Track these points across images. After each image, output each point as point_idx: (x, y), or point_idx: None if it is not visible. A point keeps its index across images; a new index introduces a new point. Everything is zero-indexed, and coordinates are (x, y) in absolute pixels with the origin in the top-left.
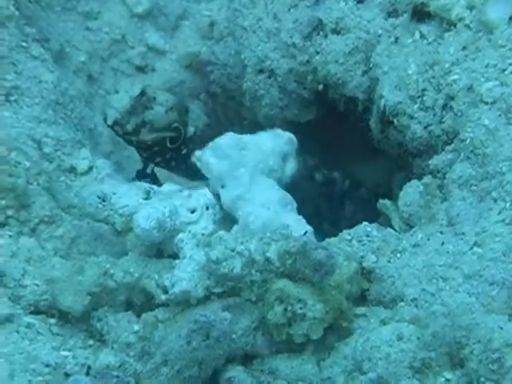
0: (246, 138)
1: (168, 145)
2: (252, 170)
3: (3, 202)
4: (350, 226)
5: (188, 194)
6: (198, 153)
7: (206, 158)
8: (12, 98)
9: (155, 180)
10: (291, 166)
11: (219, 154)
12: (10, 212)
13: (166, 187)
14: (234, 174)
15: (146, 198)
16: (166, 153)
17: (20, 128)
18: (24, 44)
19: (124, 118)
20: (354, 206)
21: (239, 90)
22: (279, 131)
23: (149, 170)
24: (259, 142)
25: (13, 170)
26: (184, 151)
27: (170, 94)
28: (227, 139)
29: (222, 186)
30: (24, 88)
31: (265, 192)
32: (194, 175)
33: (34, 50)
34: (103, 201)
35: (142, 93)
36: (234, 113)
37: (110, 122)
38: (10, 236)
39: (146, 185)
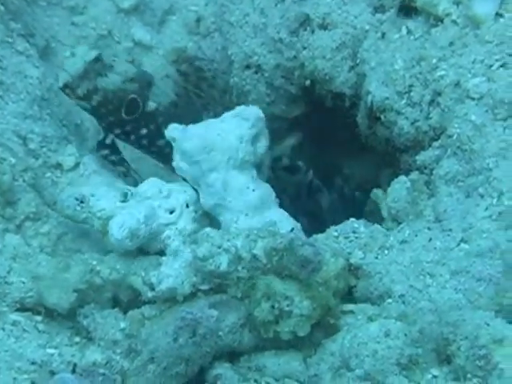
0: (212, 133)
1: (124, 116)
2: (224, 173)
3: None
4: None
5: (167, 193)
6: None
7: (177, 162)
8: None
9: (115, 152)
10: (262, 145)
11: (188, 160)
12: None
13: (145, 186)
14: (206, 182)
15: (124, 201)
16: (124, 125)
17: (5, 124)
18: (9, 39)
19: (75, 81)
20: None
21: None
22: (245, 112)
23: (108, 141)
24: (225, 134)
25: None
26: (144, 127)
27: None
28: (193, 144)
29: (199, 191)
30: (9, 83)
31: (241, 197)
32: (161, 153)
33: (19, 45)
34: (81, 202)
35: (97, 58)
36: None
37: (60, 84)
38: None
39: (124, 186)
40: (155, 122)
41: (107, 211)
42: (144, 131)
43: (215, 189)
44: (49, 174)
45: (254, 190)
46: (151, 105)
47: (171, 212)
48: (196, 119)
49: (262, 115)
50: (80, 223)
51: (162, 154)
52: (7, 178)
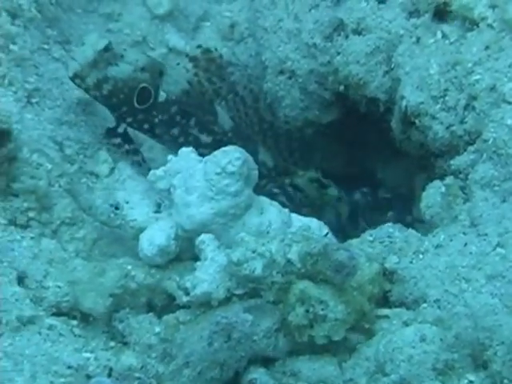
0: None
1: (136, 105)
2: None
3: (25, 204)
4: None
5: None
6: None
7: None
8: (34, 100)
9: (128, 141)
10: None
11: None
12: (31, 214)
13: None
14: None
15: (157, 211)
16: (137, 114)
17: (41, 130)
18: (45, 46)
19: (84, 70)
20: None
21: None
22: (228, 166)
23: (120, 130)
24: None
25: (34, 172)
26: (157, 116)
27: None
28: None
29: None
30: (45, 90)
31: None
32: (175, 142)
33: (56, 52)
34: (116, 209)
35: (107, 48)
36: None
37: (70, 73)
38: (32, 238)
39: (157, 196)
40: (168, 111)
41: (139, 222)
42: (157, 120)
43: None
44: (84, 180)
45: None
46: (162, 95)
47: None
48: (209, 108)
49: (243, 159)
50: (115, 228)
51: (176, 142)
52: (43, 183)
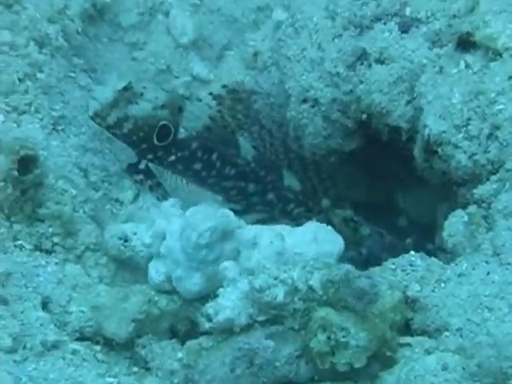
0: None
1: (155, 142)
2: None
3: (50, 229)
4: None
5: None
6: None
7: None
8: (59, 127)
9: (150, 176)
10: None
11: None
12: (56, 239)
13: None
14: None
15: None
16: (157, 151)
17: (67, 157)
18: (72, 74)
19: (105, 110)
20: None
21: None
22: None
23: (142, 166)
24: None
25: (60, 198)
26: (178, 152)
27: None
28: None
29: None
30: (71, 117)
31: None
32: (198, 176)
33: (82, 79)
34: (125, 241)
35: (127, 87)
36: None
37: (90, 113)
38: (57, 263)
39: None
40: (189, 147)
41: (147, 252)
42: (178, 156)
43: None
44: (109, 206)
45: None
46: (182, 132)
47: None
48: (231, 141)
49: (211, 229)
50: (126, 262)
51: (199, 177)
52: (68, 209)
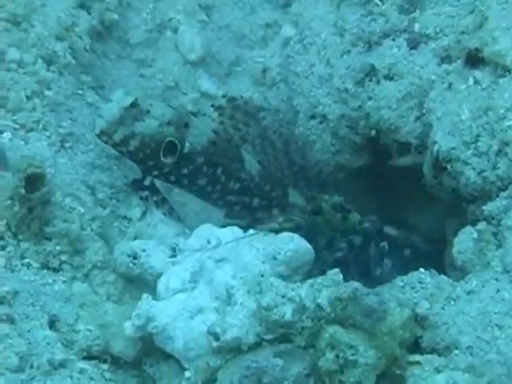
0: None
1: (162, 159)
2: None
3: (57, 247)
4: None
5: (216, 242)
6: None
7: None
8: (67, 145)
9: (156, 192)
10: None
11: None
12: (63, 257)
13: (192, 239)
14: None
15: (172, 256)
16: (163, 167)
17: (74, 174)
18: (80, 91)
19: (111, 128)
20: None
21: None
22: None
23: (147, 182)
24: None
25: (67, 216)
26: (184, 168)
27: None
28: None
29: None
30: (79, 135)
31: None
32: (203, 191)
33: (90, 97)
34: (134, 258)
35: (133, 104)
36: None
37: (96, 131)
38: (64, 281)
39: (171, 241)
40: (194, 162)
41: (156, 268)
42: (183, 172)
43: None
44: (117, 224)
45: None
46: (188, 147)
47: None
48: (235, 155)
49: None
50: (136, 278)
51: (204, 192)
52: (75, 227)
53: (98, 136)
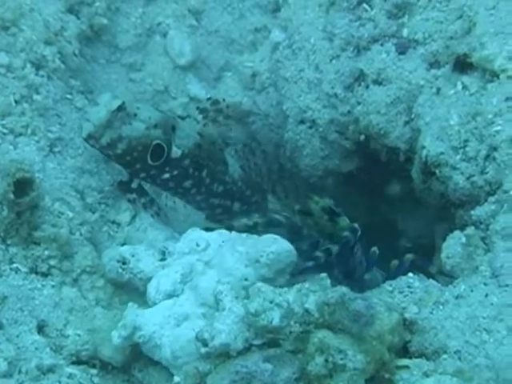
0: None
1: (149, 162)
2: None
3: (46, 252)
4: None
5: (204, 245)
6: None
7: None
8: (56, 149)
9: (143, 194)
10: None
11: None
12: (52, 262)
13: (181, 242)
14: None
15: (162, 259)
16: (150, 169)
17: (63, 179)
18: (69, 96)
19: (98, 131)
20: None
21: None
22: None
23: (134, 185)
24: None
25: (56, 221)
26: (170, 171)
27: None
28: None
29: None
30: (68, 139)
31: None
32: (188, 194)
33: (79, 101)
34: (123, 264)
35: (120, 107)
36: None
37: (84, 135)
38: (53, 286)
39: (160, 245)
40: (181, 165)
41: (146, 272)
42: (170, 174)
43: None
44: (106, 228)
45: None
46: (176, 151)
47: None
48: (219, 158)
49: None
50: (125, 284)
51: (189, 194)
52: (64, 231)
53: (86, 139)
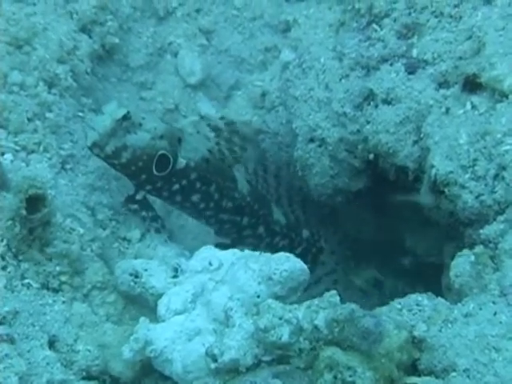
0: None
1: (154, 172)
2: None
3: (57, 267)
4: None
5: (218, 264)
6: None
7: None
8: (68, 166)
9: (147, 208)
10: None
11: None
12: (63, 278)
13: (194, 260)
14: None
15: (174, 276)
16: (156, 181)
17: (75, 196)
18: (80, 114)
19: (103, 140)
20: None
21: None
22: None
23: (138, 197)
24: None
25: (67, 237)
26: (176, 183)
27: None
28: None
29: None
30: (79, 156)
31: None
32: (195, 208)
33: (90, 119)
34: (136, 277)
35: (126, 116)
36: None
37: (88, 143)
38: (64, 302)
39: (173, 261)
40: (187, 177)
41: (158, 288)
42: (176, 187)
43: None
44: (116, 244)
45: None
46: (181, 162)
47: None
48: (228, 174)
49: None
50: (137, 298)
51: (197, 209)
52: (75, 247)
53: (90, 148)
